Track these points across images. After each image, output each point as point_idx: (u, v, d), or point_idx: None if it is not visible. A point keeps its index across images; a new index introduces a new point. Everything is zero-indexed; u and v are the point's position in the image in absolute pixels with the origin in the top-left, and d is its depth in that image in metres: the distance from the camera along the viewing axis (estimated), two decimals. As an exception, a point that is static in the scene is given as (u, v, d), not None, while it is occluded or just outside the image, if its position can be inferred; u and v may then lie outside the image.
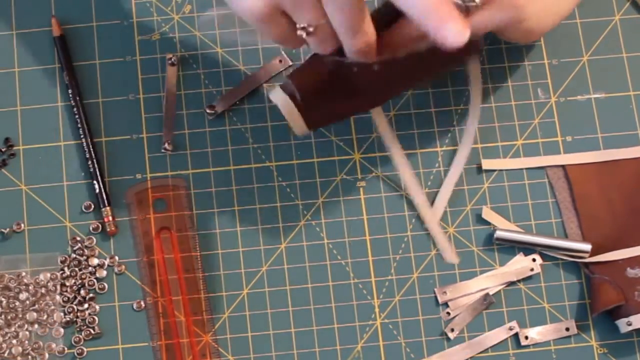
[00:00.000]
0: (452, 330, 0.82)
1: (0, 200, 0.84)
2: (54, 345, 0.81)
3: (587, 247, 0.83)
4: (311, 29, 0.73)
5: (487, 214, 0.84)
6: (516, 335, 0.82)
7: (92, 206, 0.84)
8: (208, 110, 0.86)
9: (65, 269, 0.83)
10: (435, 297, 0.83)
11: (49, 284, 0.82)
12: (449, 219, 0.85)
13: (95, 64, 0.87)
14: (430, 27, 0.70)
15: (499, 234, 0.83)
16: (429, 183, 0.85)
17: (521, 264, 0.83)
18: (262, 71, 0.87)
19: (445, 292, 0.83)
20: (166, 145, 0.85)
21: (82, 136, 0.85)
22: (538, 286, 0.83)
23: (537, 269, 0.83)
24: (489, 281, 0.83)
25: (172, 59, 0.86)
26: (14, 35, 0.87)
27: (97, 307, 0.82)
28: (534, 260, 0.83)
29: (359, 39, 0.73)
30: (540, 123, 0.87)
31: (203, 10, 0.88)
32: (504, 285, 0.83)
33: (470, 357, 0.82)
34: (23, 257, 0.83)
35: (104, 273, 0.83)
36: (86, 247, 0.83)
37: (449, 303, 0.83)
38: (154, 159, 0.85)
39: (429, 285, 0.83)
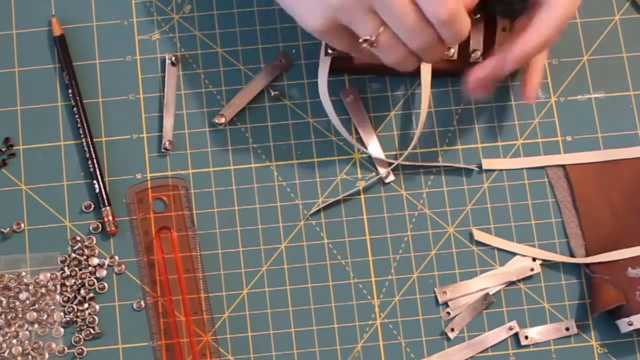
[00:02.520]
0: (452, 330, 0.82)
1: (0, 200, 0.84)
2: (54, 345, 0.81)
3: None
4: (373, 39, 0.73)
5: (479, 235, 0.84)
6: (516, 335, 0.82)
7: (92, 206, 0.84)
8: (216, 120, 0.85)
9: (66, 268, 0.83)
10: (435, 297, 0.83)
11: (49, 283, 0.82)
12: (449, 219, 0.85)
13: (96, 64, 0.87)
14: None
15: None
16: (429, 183, 0.85)
17: (521, 264, 0.83)
18: (264, 73, 0.87)
19: (445, 292, 0.83)
20: (166, 144, 0.85)
21: (82, 136, 0.85)
22: (538, 286, 0.83)
23: (537, 269, 0.83)
24: (489, 281, 0.83)
25: (172, 59, 0.86)
26: (14, 35, 0.87)
27: (97, 307, 0.82)
28: (534, 259, 0.83)
29: (420, 39, 0.73)
30: (540, 123, 0.87)
31: (203, 10, 0.88)
32: (504, 285, 0.83)
33: (470, 357, 0.82)
34: (23, 256, 0.83)
35: (104, 273, 0.83)
36: (86, 246, 0.83)
37: (449, 303, 0.83)
38: (154, 158, 0.85)
39: (429, 285, 0.83)
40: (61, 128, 0.86)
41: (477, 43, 0.84)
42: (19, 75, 0.87)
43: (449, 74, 0.86)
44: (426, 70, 0.85)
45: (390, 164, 0.85)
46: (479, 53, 0.84)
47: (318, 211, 0.84)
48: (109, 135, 0.86)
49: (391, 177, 0.85)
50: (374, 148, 0.85)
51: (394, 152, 0.86)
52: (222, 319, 0.83)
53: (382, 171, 0.85)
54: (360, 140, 0.86)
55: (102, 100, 0.86)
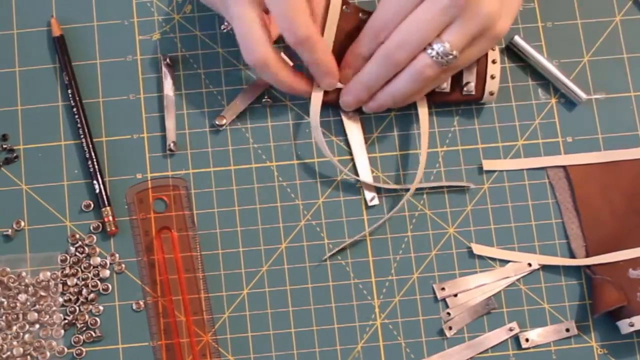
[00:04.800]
0: (450, 328, 0.82)
1: (1, 199, 0.84)
2: (54, 344, 0.81)
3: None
4: None
5: (478, 249, 0.84)
6: (516, 335, 0.82)
7: (92, 206, 0.84)
8: (217, 122, 0.85)
9: (67, 268, 0.83)
10: (435, 296, 0.83)
11: (50, 283, 0.82)
12: (449, 219, 0.85)
13: (96, 64, 0.87)
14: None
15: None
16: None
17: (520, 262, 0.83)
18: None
19: (443, 288, 0.83)
20: (171, 146, 0.85)
21: (81, 136, 0.85)
22: (538, 287, 0.83)
23: (535, 265, 0.83)
24: (488, 277, 0.83)
25: (167, 60, 0.86)
26: (15, 34, 0.87)
27: (99, 307, 0.82)
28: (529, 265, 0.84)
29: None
30: (540, 123, 0.87)
31: (204, 10, 0.88)
32: (504, 286, 0.83)
33: (471, 358, 0.82)
34: (23, 256, 0.83)
35: (107, 273, 0.83)
36: (86, 245, 0.83)
37: (449, 303, 0.83)
38: (155, 158, 0.85)
39: (429, 286, 0.83)
40: (61, 128, 0.86)
41: (470, 75, 0.84)
42: (20, 75, 0.87)
43: (442, 105, 0.86)
44: (423, 106, 0.84)
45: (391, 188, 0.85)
46: (472, 85, 0.84)
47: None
48: (110, 135, 0.86)
49: (375, 201, 0.85)
50: (363, 171, 0.85)
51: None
52: (222, 319, 0.83)
53: (368, 195, 0.85)
54: (353, 164, 0.86)
55: (103, 100, 0.86)
